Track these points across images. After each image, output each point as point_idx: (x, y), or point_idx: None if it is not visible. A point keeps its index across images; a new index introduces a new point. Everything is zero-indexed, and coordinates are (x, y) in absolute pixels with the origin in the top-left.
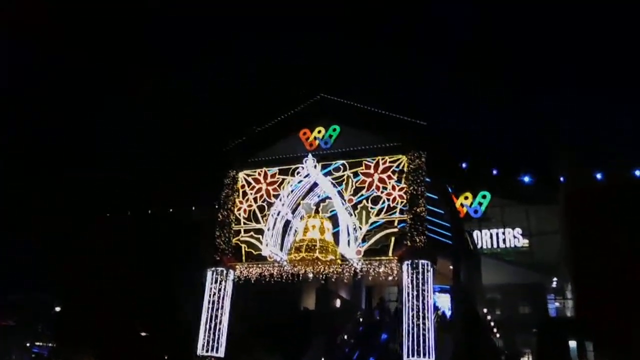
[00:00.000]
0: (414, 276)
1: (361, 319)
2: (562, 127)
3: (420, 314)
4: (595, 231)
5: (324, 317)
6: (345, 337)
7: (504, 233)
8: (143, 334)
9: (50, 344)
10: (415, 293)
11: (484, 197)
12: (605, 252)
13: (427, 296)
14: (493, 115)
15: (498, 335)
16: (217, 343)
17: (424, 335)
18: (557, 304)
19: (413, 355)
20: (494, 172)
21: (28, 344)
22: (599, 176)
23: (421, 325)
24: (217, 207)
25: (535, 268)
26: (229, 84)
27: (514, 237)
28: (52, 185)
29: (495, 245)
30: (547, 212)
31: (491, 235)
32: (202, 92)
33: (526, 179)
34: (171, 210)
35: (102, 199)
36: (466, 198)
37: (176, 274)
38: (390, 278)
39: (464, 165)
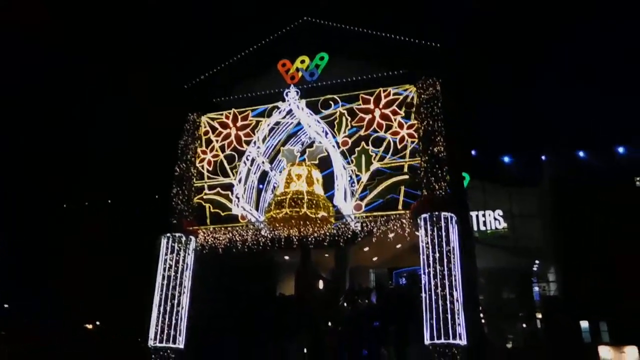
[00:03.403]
0: (435, 234)
1: (345, 304)
2: (543, 106)
3: (446, 282)
4: (581, 212)
5: (305, 302)
6: (330, 324)
7: (484, 215)
8: (89, 326)
9: None
10: (437, 256)
11: (462, 178)
12: (591, 234)
13: (454, 259)
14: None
15: (484, 321)
16: (175, 331)
17: (451, 310)
18: (536, 288)
19: (439, 337)
20: (473, 152)
21: None
22: (581, 154)
23: (447, 297)
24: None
25: (516, 251)
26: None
27: (495, 219)
28: None
29: (475, 228)
30: (529, 194)
31: (470, 217)
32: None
33: (506, 159)
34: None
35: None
36: None
37: (123, 247)
38: (375, 259)
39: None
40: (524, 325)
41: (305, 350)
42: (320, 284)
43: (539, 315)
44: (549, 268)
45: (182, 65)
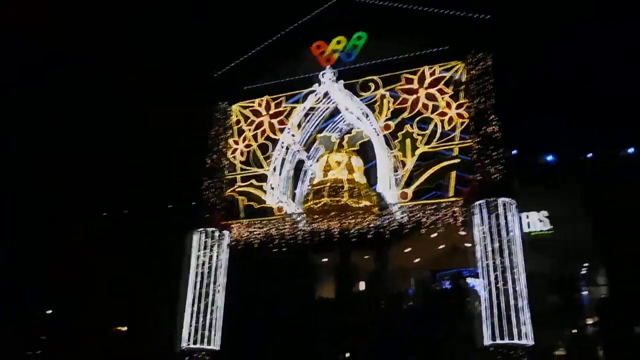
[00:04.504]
0: (492, 222)
1: (388, 308)
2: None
3: (508, 275)
4: (631, 208)
5: (344, 305)
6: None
7: (527, 217)
8: (122, 328)
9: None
10: (496, 245)
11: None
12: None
13: (515, 249)
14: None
15: None
16: (210, 332)
17: (515, 306)
18: (585, 292)
19: (502, 337)
20: (514, 151)
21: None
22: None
23: (510, 291)
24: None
25: (562, 253)
26: None
27: (540, 220)
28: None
29: None
30: (574, 194)
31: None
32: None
33: (549, 158)
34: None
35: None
36: None
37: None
38: (417, 260)
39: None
40: (574, 331)
41: (347, 355)
42: (361, 286)
43: (590, 321)
44: (598, 271)
45: (211, 54)
